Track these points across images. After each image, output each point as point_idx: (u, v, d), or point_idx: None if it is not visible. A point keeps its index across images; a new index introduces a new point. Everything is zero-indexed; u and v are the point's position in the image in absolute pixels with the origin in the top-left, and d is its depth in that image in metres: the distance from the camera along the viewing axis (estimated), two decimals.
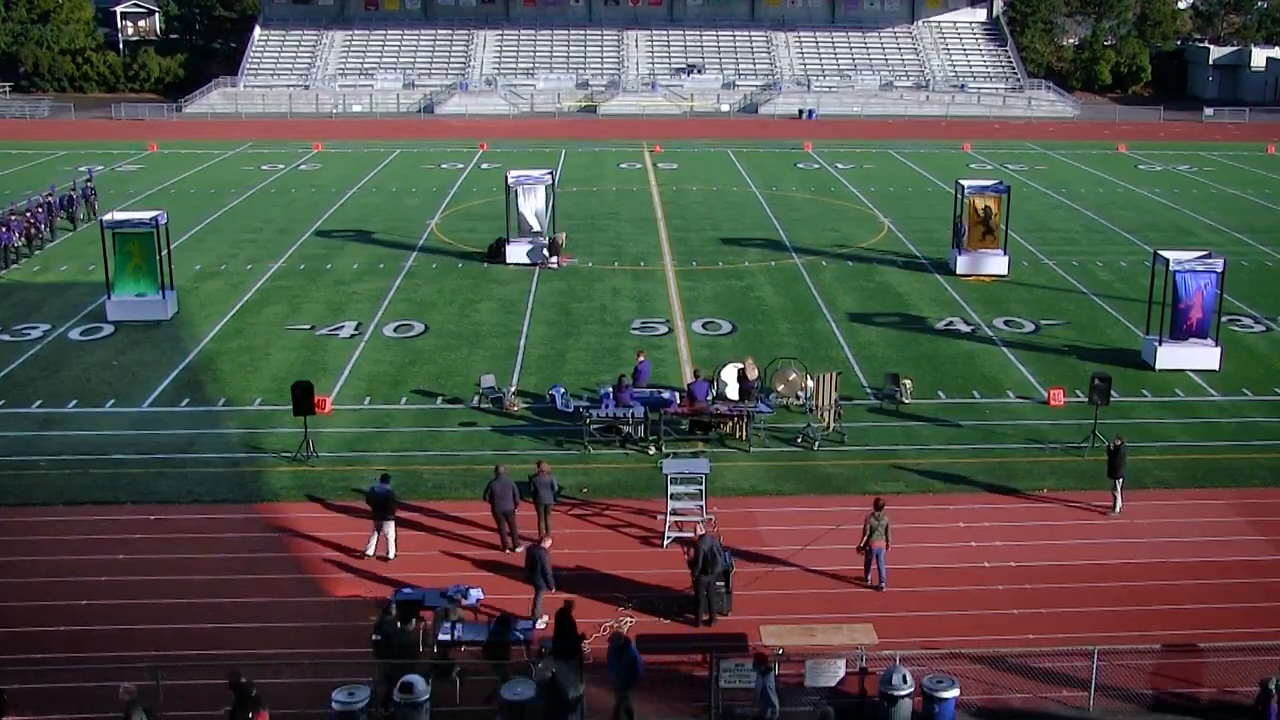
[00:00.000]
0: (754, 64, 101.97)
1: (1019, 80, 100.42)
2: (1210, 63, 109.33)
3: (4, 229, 43.77)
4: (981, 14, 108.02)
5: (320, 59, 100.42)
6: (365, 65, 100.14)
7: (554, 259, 43.70)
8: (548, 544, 20.72)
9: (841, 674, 17.99)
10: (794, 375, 29.99)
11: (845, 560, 22.25)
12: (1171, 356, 32.79)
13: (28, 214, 46.01)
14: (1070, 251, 47.04)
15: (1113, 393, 27.75)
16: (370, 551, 22.36)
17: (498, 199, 48.15)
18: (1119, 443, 24.50)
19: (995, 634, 19.99)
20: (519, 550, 22.44)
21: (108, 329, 36.02)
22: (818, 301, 39.60)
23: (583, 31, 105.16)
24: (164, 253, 37.48)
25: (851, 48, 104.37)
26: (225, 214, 53.46)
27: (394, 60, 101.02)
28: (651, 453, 27.15)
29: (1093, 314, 38.50)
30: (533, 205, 44.28)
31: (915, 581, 21.77)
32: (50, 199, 48.54)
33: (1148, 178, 65.36)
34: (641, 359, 29.97)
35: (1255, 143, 79.89)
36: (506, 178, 44.69)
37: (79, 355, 33.73)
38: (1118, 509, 24.44)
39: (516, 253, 43.96)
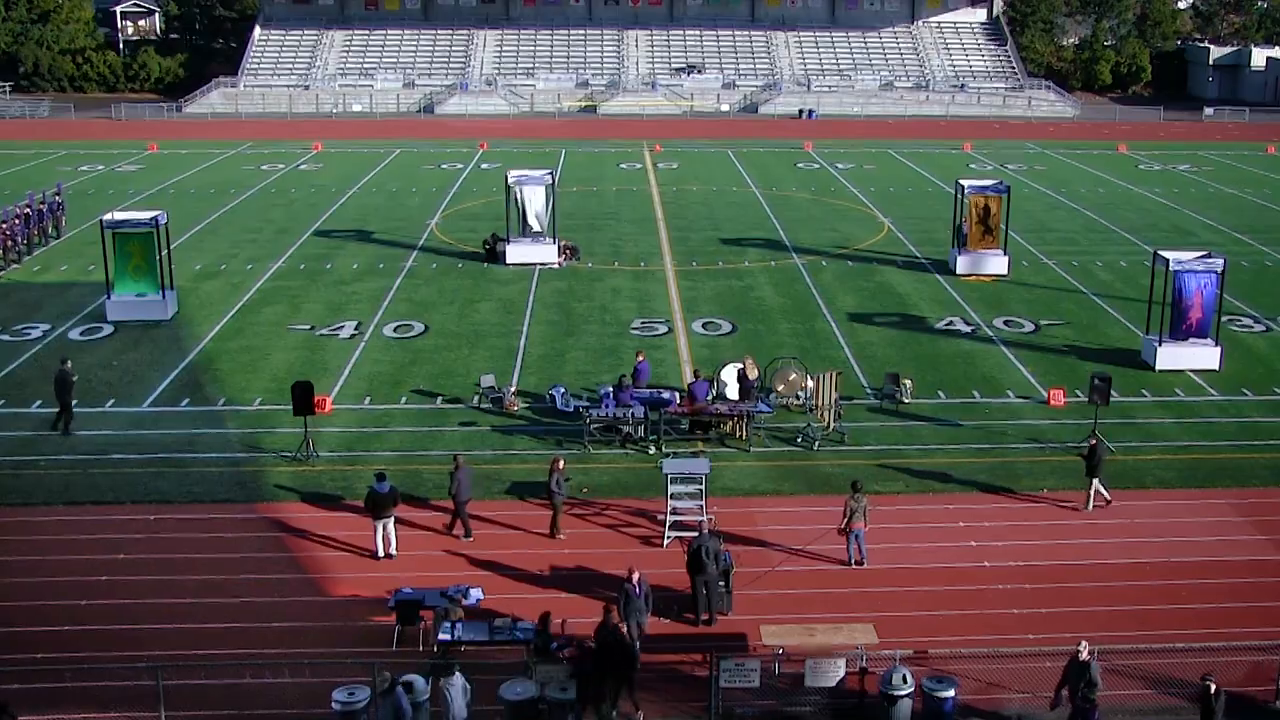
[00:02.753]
0: (754, 64, 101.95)
1: (1019, 80, 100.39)
2: (1210, 63, 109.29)
3: None
4: (981, 14, 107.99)
5: (320, 59, 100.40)
6: (365, 65, 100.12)
7: (573, 258, 44.51)
8: (636, 576, 19.58)
9: (841, 674, 18.01)
10: (794, 375, 29.99)
11: (845, 559, 22.30)
12: (1171, 356, 32.79)
13: (4, 225, 44.41)
14: (1070, 251, 47.04)
15: (1113, 393, 27.76)
16: (381, 553, 22.35)
17: (498, 199, 48.15)
18: (1094, 442, 24.53)
19: (995, 634, 19.99)
20: (471, 539, 23.16)
21: (108, 329, 36.01)
22: (818, 301, 39.60)
23: (583, 31, 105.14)
24: (164, 253, 37.48)
25: (851, 48, 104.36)
26: (225, 214, 53.45)
27: (394, 60, 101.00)
28: (651, 453, 27.16)
29: (1093, 314, 38.50)
30: (533, 205, 44.28)
31: (915, 581, 21.79)
32: (29, 209, 46.81)
33: (1148, 178, 65.36)
34: (641, 359, 29.97)
35: (1255, 143, 79.88)
36: (506, 178, 44.69)
37: (79, 355, 33.67)
38: (1100, 504, 24.55)
39: (517, 253, 43.95)
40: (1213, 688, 16.87)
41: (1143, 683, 18.57)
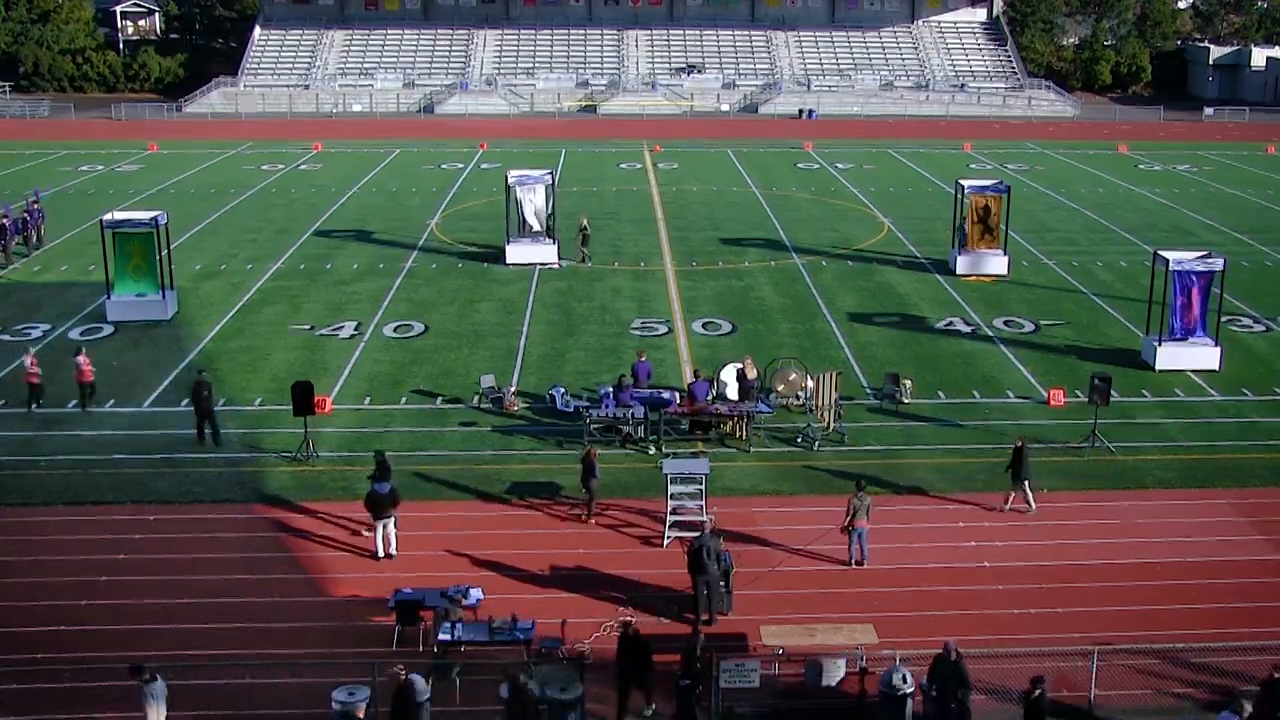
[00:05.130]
0: (754, 64, 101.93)
1: (1019, 80, 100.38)
2: (1210, 63, 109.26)
3: None
4: (981, 14, 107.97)
5: (320, 59, 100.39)
6: (365, 65, 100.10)
7: (584, 249, 44.39)
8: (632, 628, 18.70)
9: (841, 674, 18.02)
10: (794, 375, 29.99)
11: (845, 559, 22.31)
12: (1171, 356, 32.78)
13: None
14: (1070, 251, 47.04)
15: (1113, 393, 27.76)
16: (381, 553, 22.36)
17: (498, 199, 48.15)
18: (1020, 444, 24.40)
19: (995, 634, 19.99)
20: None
21: (108, 329, 36.01)
22: (818, 301, 39.60)
23: (583, 31, 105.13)
24: (164, 253, 37.47)
25: (851, 48, 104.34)
26: (225, 214, 53.44)
27: (394, 60, 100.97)
28: (651, 453, 27.15)
29: (1093, 314, 38.50)
30: (533, 205, 44.28)
31: (915, 581, 21.79)
32: (5, 219, 44.99)
33: (1148, 178, 65.36)
34: (642, 359, 29.99)
35: (1255, 143, 79.88)
36: (506, 178, 44.67)
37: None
38: (1020, 508, 24.39)
39: (517, 253, 43.97)
40: (1037, 691, 16.71)
41: (1143, 682, 18.57)
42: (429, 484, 25.67)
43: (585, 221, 45.52)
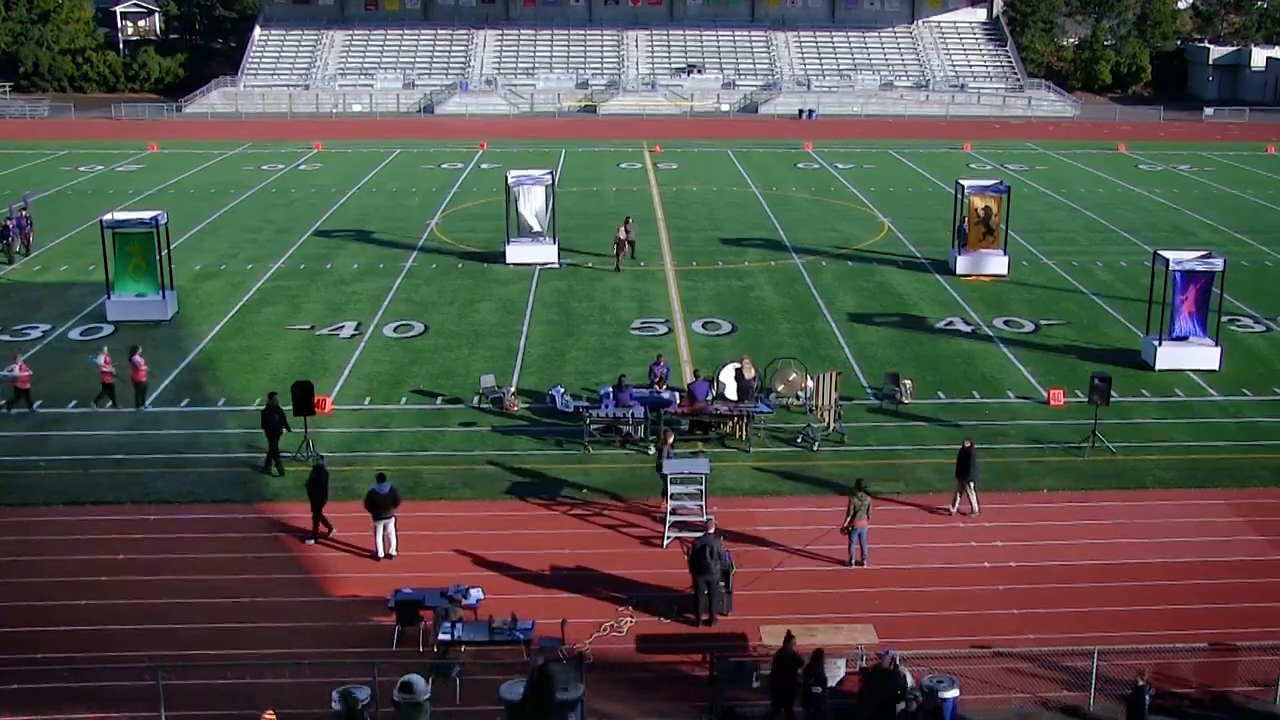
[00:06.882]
0: (754, 64, 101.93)
1: (1019, 80, 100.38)
2: (1210, 63, 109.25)
3: None
4: (981, 14, 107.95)
5: (320, 59, 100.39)
6: (365, 65, 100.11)
7: (620, 255, 44.09)
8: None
9: (842, 674, 18.01)
10: (794, 375, 29.98)
11: (845, 559, 22.30)
12: (1171, 356, 32.79)
13: None
14: (1070, 251, 47.04)
15: (1113, 393, 27.76)
16: (381, 553, 22.36)
17: (498, 199, 48.15)
18: (969, 444, 24.31)
19: (995, 634, 20.00)
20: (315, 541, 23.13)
21: (108, 329, 36.01)
22: (818, 301, 39.60)
23: (583, 31, 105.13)
24: (164, 253, 37.47)
25: (851, 48, 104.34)
26: (225, 214, 53.44)
27: (394, 60, 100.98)
28: (651, 453, 27.13)
29: (1093, 314, 38.50)
30: (533, 205, 44.27)
31: (915, 581, 21.79)
32: None
33: (1148, 178, 65.35)
34: (660, 363, 30.34)
35: (1255, 143, 79.87)
36: (506, 178, 44.67)
37: (79, 355, 33.68)
38: (975, 511, 24.25)
39: (517, 253, 43.97)
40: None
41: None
42: (429, 484, 25.68)
43: (623, 230, 45.13)
